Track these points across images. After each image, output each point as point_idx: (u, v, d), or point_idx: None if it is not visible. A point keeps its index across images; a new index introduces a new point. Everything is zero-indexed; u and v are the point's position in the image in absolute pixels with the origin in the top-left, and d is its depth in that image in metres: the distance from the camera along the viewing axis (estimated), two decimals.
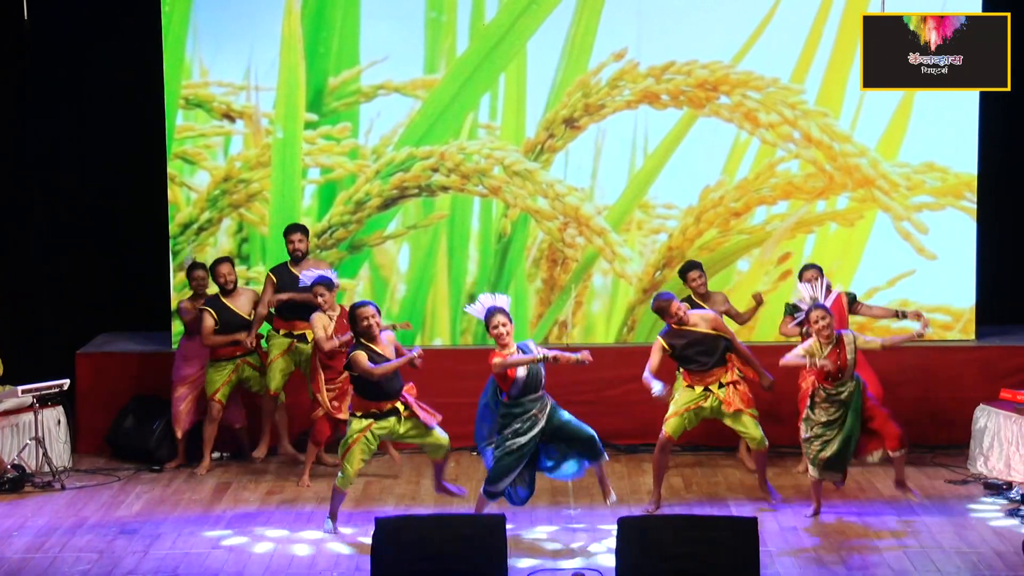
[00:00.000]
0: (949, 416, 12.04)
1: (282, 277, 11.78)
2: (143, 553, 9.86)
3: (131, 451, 12.08)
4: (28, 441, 11.55)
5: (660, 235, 12.74)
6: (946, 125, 12.52)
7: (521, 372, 9.97)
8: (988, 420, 11.50)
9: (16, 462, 11.44)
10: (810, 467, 10.42)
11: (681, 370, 10.76)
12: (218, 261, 11.87)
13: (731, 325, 11.21)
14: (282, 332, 11.84)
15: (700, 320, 10.60)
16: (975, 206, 12.61)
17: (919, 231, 12.60)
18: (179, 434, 11.91)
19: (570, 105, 12.60)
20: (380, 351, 10.08)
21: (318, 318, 11.14)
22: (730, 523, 8.48)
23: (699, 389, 10.57)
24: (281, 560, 9.72)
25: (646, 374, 10.45)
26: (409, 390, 10.27)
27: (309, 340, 11.58)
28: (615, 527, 8.26)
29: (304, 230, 11.94)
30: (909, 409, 11.75)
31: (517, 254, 12.76)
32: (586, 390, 11.48)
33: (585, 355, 9.97)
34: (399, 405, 10.17)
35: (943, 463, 11.78)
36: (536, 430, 10.00)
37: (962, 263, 12.61)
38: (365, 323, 10.04)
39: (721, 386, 10.54)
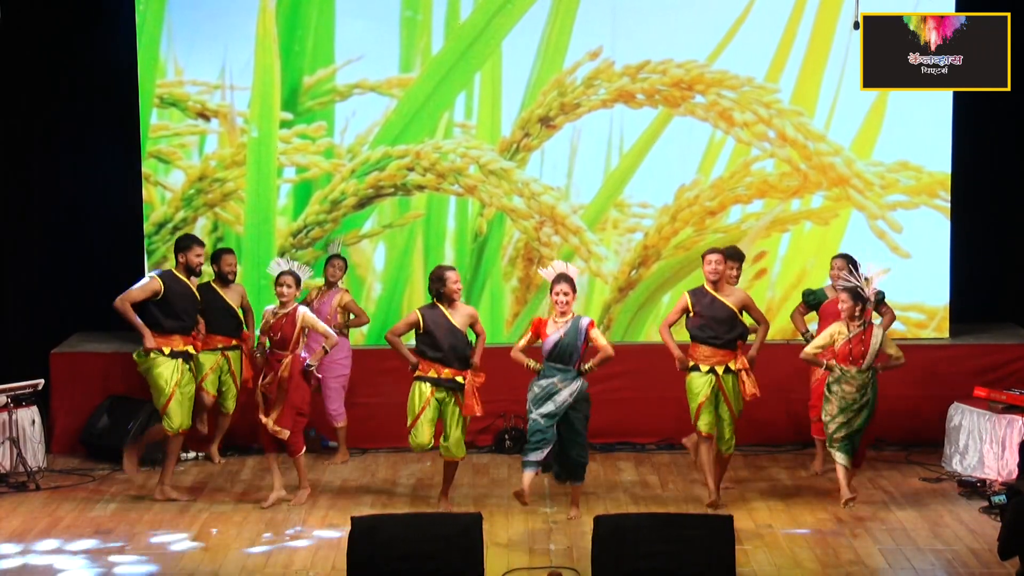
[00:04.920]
0: (923, 414, 12.09)
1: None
2: (118, 553, 9.84)
3: (106, 451, 12.04)
4: (2, 441, 11.50)
5: (636, 234, 12.76)
6: (920, 124, 12.57)
7: (553, 336, 10.27)
8: (962, 418, 11.55)
9: None
10: (835, 453, 10.53)
11: (691, 344, 10.64)
12: (224, 251, 11.86)
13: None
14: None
15: (730, 294, 10.60)
16: (949, 204, 12.66)
17: (893, 229, 12.65)
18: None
19: (545, 104, 12.60)
20: (452, 318, 10.53)
21: (267, 311, 10.92)
22: (706, 521, 8.49)
23: (705, 370, 10.54)
24: (257, 559, 9.70)
25: (663, 328, 10.66)
26: (477, 377, 10.55)
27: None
28: (591, 526, 8.27)
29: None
30: (883, 407, 11.74)
31: (493, 253, 12.77)
32: None
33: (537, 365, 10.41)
34: (459, 379, 10.52)
35: (917, 461, 11.82)
36: (556, 402, 10.26)
37: (936, 261, 12.66)
38: (453, 286, 10.51)
39: (728, 371, 10.55)
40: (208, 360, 11.58)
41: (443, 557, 8.10)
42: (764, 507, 10.70)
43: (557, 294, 10.30)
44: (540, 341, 10.36)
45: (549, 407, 10.29)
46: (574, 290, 10.36)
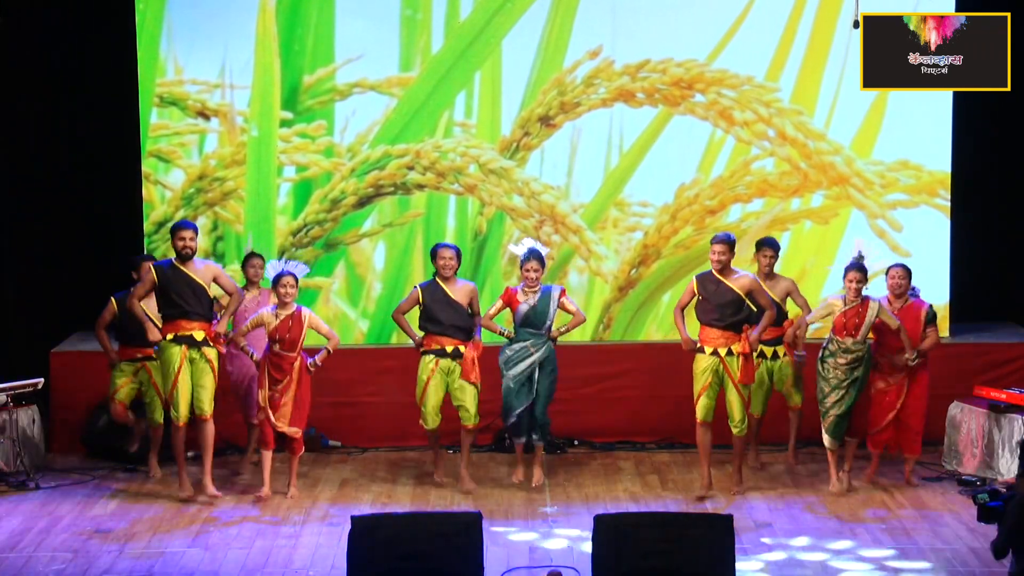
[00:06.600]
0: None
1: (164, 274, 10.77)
2: (118, 552, 9.83)
3: (105, 450, 12.04)
4: (2, 441, 11.50)
5: (635, 233, 12.76)
6: (920, 123, 12.56)
7: (523, 307, 10.93)
8: (963, 417, 11.55)
9: None
10: (824, 434, 10.85)
11: (700, 327, 10.83)
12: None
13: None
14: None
15: (737, 279, 10.71)
16: (949, 204, 12.65)
17: (893, 229, 12.64)
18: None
19: (545, 103, 12.60)
20: (450, 293, 11.00)
21: (265, 313, 10.79)
22: (706, 520, 8.49)
23: (709, 351, 10.67)
24: (257, 559, 9.70)
25: (675, 311, 10.98)
26: (477, 346, 11.02)
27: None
28: (591, 524, 8.27)
29: (195, 229, 10.83)
30: None
31: (493, 252, 12.77)
32: (562, 388, 11.46)
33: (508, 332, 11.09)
34: (461, 348, 10.99)
35: (918, 460, 11.80)
36: (528, 362, 10.95)
37: (936, 260, 12.65)
38: (441, 262, 11.00)
39: (730, 353, 10.64)
40: (126, 369, 11.51)
41: (443, 556, 8.10)
42: (764, 507, 10.70)
43: (528, 271, 10.92)
44: (510, 309, 11.04)
45: (522, 366, 10.94)
46: (543, 266, 10.99)
